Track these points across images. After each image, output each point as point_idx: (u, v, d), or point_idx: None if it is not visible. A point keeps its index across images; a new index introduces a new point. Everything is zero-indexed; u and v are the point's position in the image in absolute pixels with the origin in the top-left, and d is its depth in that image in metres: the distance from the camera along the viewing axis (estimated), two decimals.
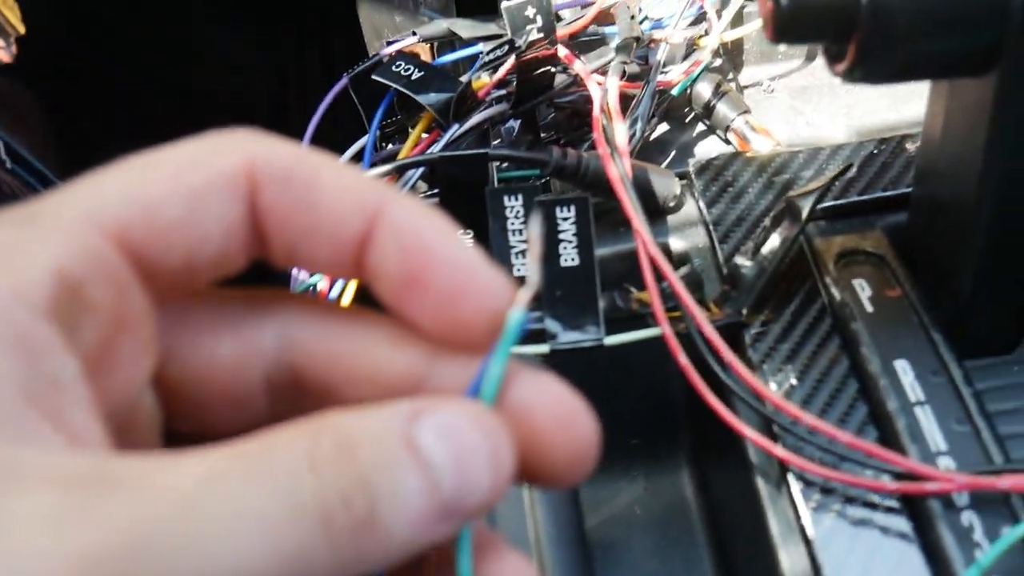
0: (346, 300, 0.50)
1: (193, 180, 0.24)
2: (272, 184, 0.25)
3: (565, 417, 0.25)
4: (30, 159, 0.51)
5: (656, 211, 0.55)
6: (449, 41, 0.61)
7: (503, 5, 0.53)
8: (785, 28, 0.39)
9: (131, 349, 0.24)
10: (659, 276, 0.46)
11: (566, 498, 0.44)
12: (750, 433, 0.43)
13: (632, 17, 0.57)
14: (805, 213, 0.48)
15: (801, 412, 0.42)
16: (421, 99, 0.51)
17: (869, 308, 0.48)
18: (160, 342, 0.25)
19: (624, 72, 0.54)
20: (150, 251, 0.24)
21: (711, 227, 0.53)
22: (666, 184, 0.55)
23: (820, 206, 0.50)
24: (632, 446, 0.56)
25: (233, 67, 1.01)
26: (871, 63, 0.39)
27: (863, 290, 0.49)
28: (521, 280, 0.47)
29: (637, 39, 0.57)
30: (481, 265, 0.25)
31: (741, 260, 0.50)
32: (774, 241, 0.49)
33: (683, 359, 0.44)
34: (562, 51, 0.55)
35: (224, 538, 0.20)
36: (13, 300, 0.21)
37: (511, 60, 0.53)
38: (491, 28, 0.60)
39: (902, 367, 0.45)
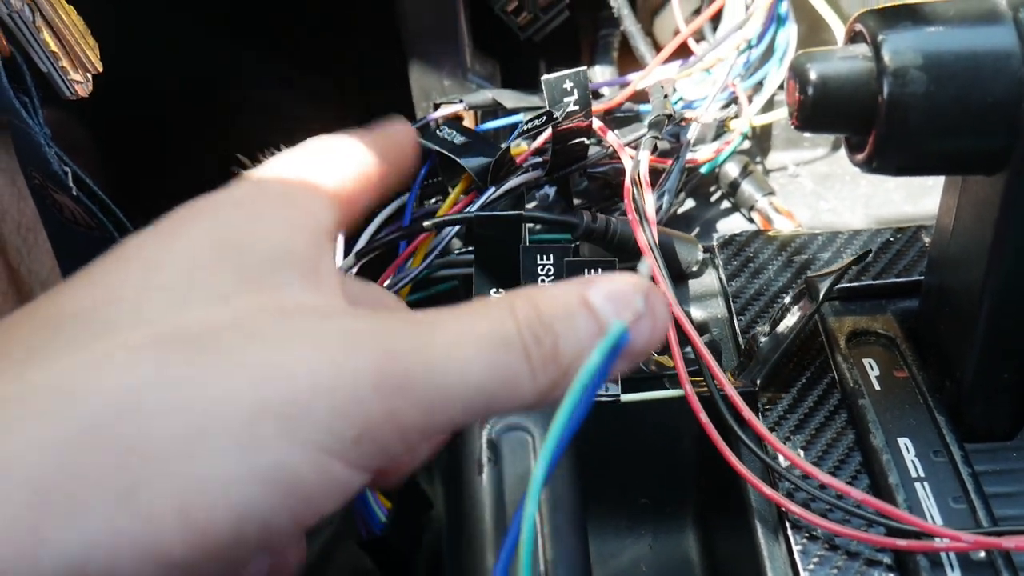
0: None
1: (356, 163, 0.39)
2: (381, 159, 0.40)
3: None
4: (94, 188, 0.54)
5: (679, 275, 0.57)
6: (492, 110, 0.64)
7: (543, 78, 0.56)
8: (809, 118, 0.42)
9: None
10: (683, 340, 0.48)
11: (578, 547, 0.46)
12: (766, 489, 0.45)
13: (665, 96, 0.60)
14: (822, 293, 0.50)
15: (814, 469, 0.44)
16: (463, 162, 0.54)
17: (877, 387, 0.50)
18: None
19: (655, 147, 0.57)
20: (346, 208, 0.37)
21: (730, 300, 0.56)
22: (689, 250, 0.57)
23: (836, 287, 0.52)
24: (641, 505, 0.58)
25: (276, 117, 1.04)
26: (887, 156, 0.41)
27: (872, 369, 0.51)
28: None
29: (669, 116, 0.60)
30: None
31: (759, 332, 0.52)
32: (792, 318, 0.51)
33: (704, 418, 0.46)
34: (596, 123, 0.58)
35: (462, 349, 0.29)
36: (311, 219, 0.34)
37: (548, 130, 0.56)
38: (533, 100, 0.64)
39: (905, 444, 0.47)
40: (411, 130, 0.44)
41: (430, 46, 0.67)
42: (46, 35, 0.48)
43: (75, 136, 0.88)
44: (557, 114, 0.54)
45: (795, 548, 0.44)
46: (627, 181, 0.53)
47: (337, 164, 0.38)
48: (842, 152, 0.70)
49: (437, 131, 0.55)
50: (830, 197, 0.69)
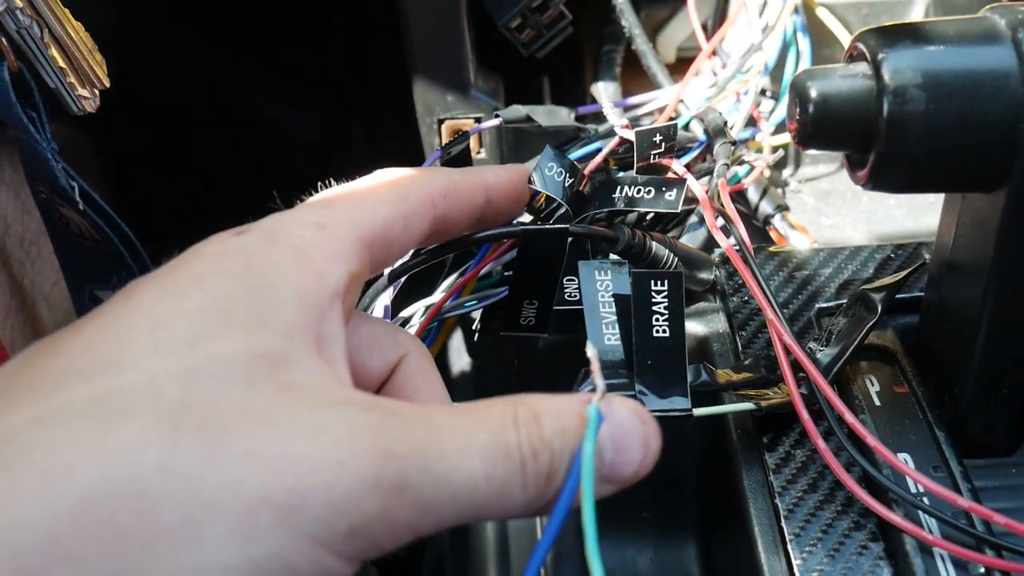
0: None
1: (407, 206, 0.37)
2: (443, 200, 0.40)
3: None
4: (100, 202, 0.55)
5: (689, 294, 0.57)
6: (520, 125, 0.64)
7: (636, 130, 0.55)
8: (810, 136, 0.42)
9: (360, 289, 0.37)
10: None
11: (578, 559, 0.46)
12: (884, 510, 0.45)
13: (725, 123, 0.60)
14: (882, 306, 0.50)
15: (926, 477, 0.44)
16: (565, 203, 0.51)
17: (877, 402, 0.50)
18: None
19: (727, 170, 0.56)
20: (379, 254, 0.36)
21: (731, 315, 0.56)
22: (703, 269, 0.57)
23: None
24: (643, 519, 0.58)
25: (281, 131, 1.05)
26: (887, 173, 0.42)
27: (872, 385, 0.51)
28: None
29: (734, 143, 0.59)
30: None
31: (814, 346, 0.52)
32: (848, 331, 0.51)
33: (809, 425, 0.46)
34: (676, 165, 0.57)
35: (461, 456, 0.30)
36: (318, 283, 0.33)
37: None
38: (563, 116, 0.64)
39: (905, 460, 0.47)
40: (508, 179, 0.44)
41: (434, 62, 0.68)
42: (54, 51, 0.48)
43: (83, 150, 0.89)
44: (671, 197, 0.52)
45: (795, 563, 0.44)
46: (703, 198, 0.53)
47: (376, 205, 0.36)
48: (844, 169, 0.71)
49: (547, 169, 0.52)
50: (832, 213, 0.70)
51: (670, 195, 0.52)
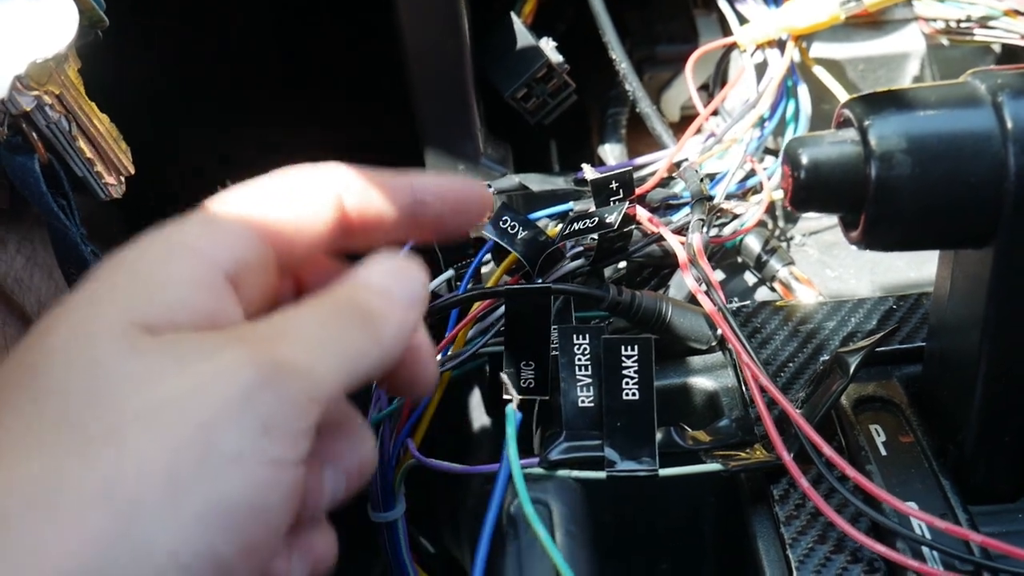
0: None
1: (299, 197, 0.40)
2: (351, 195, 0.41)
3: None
4: None
5: (696, 350, 0.59)
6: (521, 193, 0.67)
7: (591, 179, 0.57)
8: (803, 200, 0.44)
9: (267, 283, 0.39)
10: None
11: None
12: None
13: (702, 180, 0.62)
14: (852, 369, 0.52)
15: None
16: (518, 253, 0.56)
17: (883, 452, 0.52)
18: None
19: (703, 227, 0.59)
20: (283, 240, 0.39)
21: (739, 370, 0.57)
22: (708, 325, 0.59)
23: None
24: (662, 570, 0.60)
25: None
26: (878, 234, 0.44)
27: (878, 435, 0.52)
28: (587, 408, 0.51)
29: (709, 198, 0.62)
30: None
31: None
32: (823, 392, 0.52)
33: (806, 483, 0.48)
34: (644, 214, 0.60)
35: (336, 345, 0.36)
36: (202, 268, 0.36)
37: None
38: (557, 182, 0.66)
39: (911, 508, 0.48)
40: (443, 183, 0.43)
41: (444, 133, 0.70)
42: (82, 143, 0.51)
43: (111, 234, 0.91)
44: (610, 219, 0.55)
45: None
46: (682, 259, 0.56)
47: (264, 198, 0.39)
48: None
49: (500, 221, 0.56)
50: (835, 265, 0.71)
51: (610, 217, 0.55)
